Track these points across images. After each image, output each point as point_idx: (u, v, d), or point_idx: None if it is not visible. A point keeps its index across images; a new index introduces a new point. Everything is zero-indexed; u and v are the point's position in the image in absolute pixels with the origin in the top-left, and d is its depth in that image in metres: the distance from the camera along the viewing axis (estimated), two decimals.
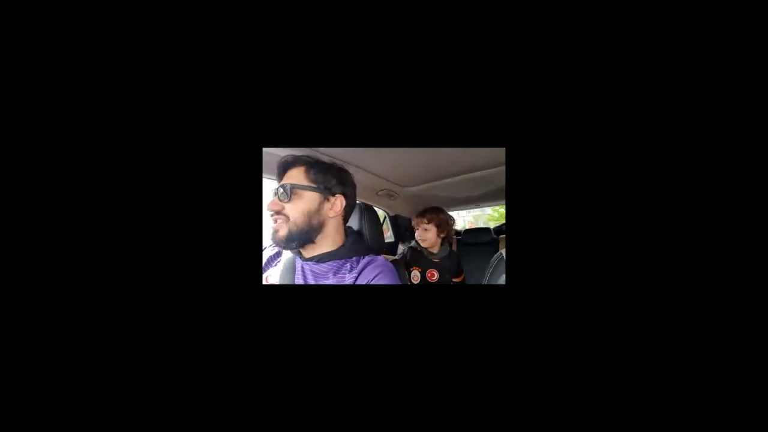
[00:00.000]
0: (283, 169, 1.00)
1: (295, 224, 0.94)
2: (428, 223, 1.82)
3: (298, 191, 0.95)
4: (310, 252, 0.98)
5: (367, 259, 1.00)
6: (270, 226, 0.97)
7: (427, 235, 1.82)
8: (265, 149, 1.10)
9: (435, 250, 1.84)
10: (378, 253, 1.11)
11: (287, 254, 1.03)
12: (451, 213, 2.02)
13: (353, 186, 1.05)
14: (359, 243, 1.06)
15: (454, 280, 1.86)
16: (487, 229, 2.70)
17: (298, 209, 0.95)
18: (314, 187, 0.97)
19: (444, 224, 1.86)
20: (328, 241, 0.99)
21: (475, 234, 2.65)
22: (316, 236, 0.97)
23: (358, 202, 1.12)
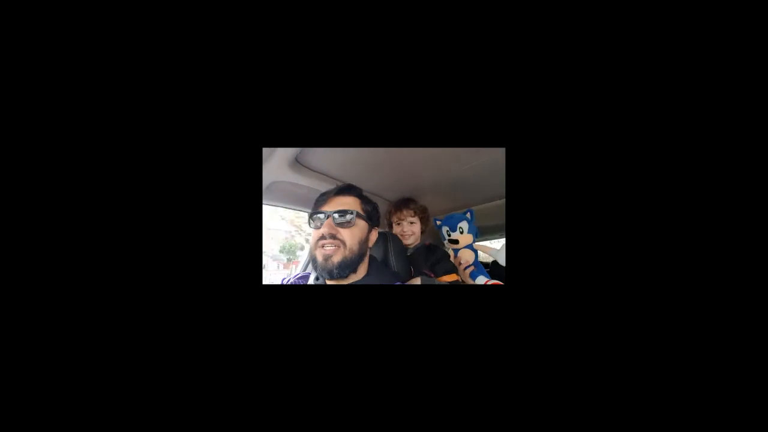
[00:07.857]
0: (332, 195, 1.00)
1: (351, 251, 0.94)
2: (414, 215, 1.57)
3: (356, 219, 0.96)
4: (339, 282, 0.97)
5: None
6: (320, 253, 0.93)
7: (413, 229, 1.57)
8: (265, 153, 1.12)
9: (412, 245, 1.56)
10: (405, 280, 1.10)
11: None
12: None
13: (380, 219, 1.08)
14: (383, 271, 1.06)
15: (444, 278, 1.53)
16: None
17: (355, 236, 0.95)
18: (365, 217, 0.99)
19: (426, 213, 1.62)
20: (361, 271, 0.99)
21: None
22: (358, 265, 0.97)
23: (381, 230, 1.14)
